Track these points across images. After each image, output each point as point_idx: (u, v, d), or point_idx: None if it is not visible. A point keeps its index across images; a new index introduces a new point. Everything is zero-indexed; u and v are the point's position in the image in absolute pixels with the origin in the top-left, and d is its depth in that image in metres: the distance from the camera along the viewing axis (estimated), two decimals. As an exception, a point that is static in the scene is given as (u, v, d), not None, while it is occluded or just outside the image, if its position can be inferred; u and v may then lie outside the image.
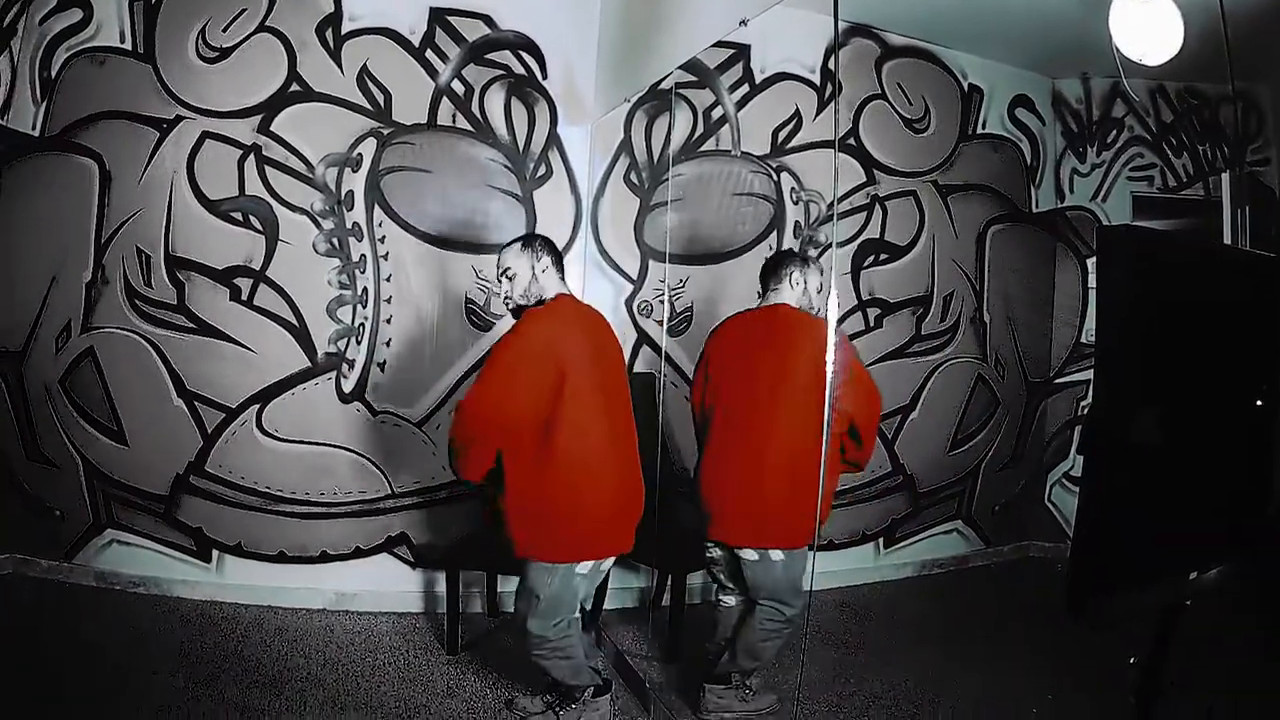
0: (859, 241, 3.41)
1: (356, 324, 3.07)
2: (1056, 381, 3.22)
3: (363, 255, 3.07)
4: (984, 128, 3.35)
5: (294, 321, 3.02)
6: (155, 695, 2.27)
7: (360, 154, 3.06)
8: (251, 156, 3.00)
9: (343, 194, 3.05)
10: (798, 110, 3.32)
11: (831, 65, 3.26)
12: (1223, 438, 1.40)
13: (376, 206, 3.07)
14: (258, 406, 3.00)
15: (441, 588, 2.99)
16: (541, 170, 3.22)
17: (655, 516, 2.39)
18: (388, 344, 3.09)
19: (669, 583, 2.86)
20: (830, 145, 3.21)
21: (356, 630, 2.90)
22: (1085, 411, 3.17)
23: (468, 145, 3.14)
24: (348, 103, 3.05)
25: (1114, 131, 3.16)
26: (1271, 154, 2.90)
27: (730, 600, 2.39)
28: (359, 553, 3.09)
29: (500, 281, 2.22)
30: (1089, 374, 3.11)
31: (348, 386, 3.07)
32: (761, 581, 2.23)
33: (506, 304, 2.23)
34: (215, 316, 2.98)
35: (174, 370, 2.97)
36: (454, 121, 3.13)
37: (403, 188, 3.09)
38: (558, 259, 2.24)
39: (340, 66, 3.04)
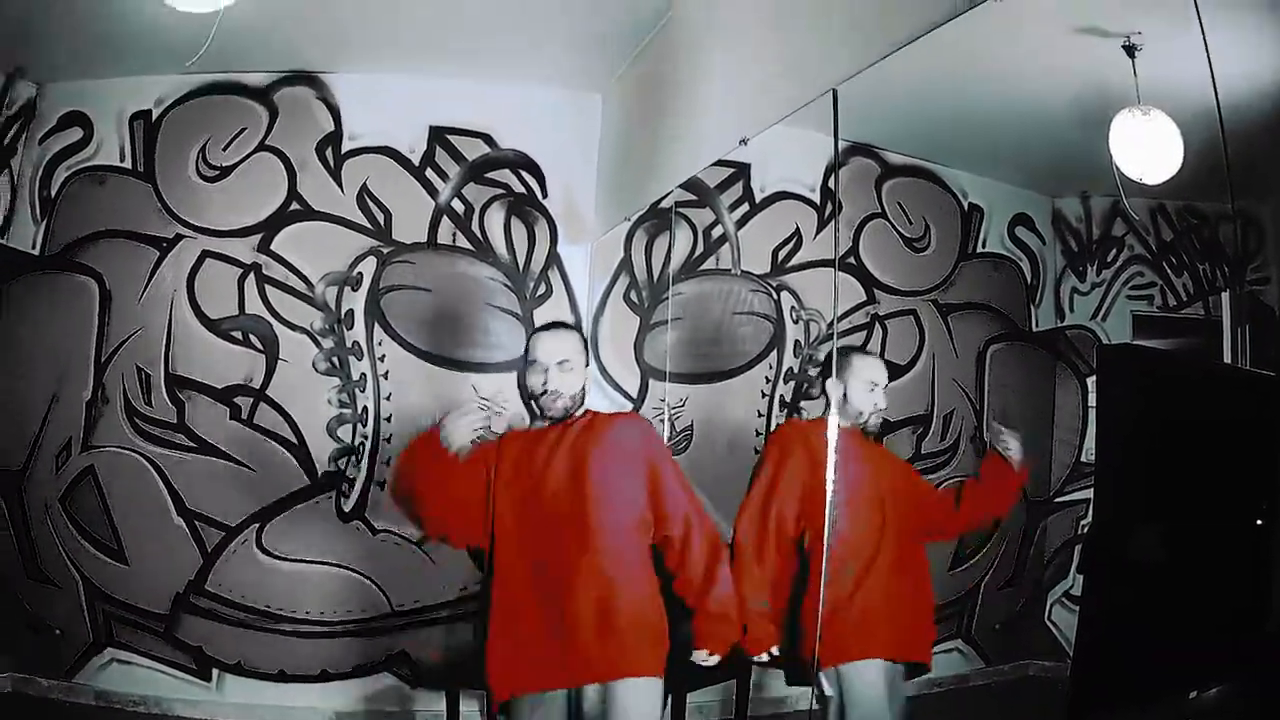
0: (859, 360, 3.38)
1: (356, 443, 3.07)
2: (1056, 500, 3.21)
3: (363, 374, 3.08)
4: (984, 246, 3.32)
5: (294, 440, 3.02)
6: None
7: (360, 273, 3.07)
8: (251, 275, 3.02)
9: (343, 313, 3.06)
10: (798, 229, 3.31)
11: (831, 184, 3.25)
12: (1223, 556, 1.40)
13: (376, 325, 3.08)
14: (258, 525, 3.00)
15: (441, 706, 2.98)
16: (542, 289, 3.22)
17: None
18: (387, 463, 3.09)
19: (668, 702, 2.85)
20: (830, 264, 3.19)
21: (356, 750, 2.91)
22: (1085, 530, 3.17)
23: (468, 264, 3.14)
24: (348, 221, 3.06)
25: (1114, 250, 3.15)
26: (1271, 273, 2.88)
27: None
28: (359, 671, 3.08)
29: (546, 374, 1.75)
30: (1089, 493, 3.10)
31: (348, 505, 3.06)
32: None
33: (553, 400, 1.76)
34: (215, 435, 2.99)
35: (174, 489, 2.97)
36: (454, 240, 3.13)
37: (403, 306, 3.09)
38: None
39: (340, 185, 3.06)
